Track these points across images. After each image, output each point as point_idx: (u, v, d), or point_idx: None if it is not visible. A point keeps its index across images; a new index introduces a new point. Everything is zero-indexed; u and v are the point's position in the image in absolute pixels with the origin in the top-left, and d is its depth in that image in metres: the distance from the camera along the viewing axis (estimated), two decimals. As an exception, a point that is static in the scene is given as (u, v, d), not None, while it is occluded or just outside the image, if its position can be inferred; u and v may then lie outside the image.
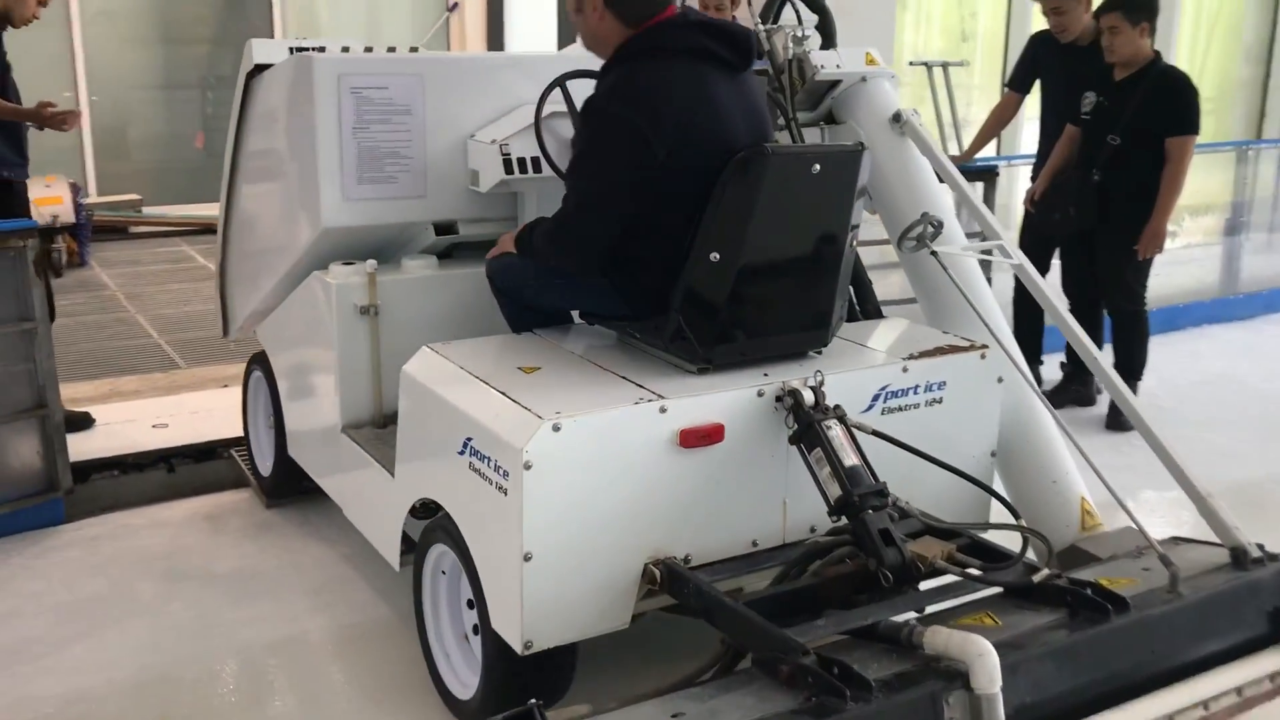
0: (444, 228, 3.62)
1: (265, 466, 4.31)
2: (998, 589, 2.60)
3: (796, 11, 3.69)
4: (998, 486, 3.20)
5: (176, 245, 9.32)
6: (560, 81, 3.34)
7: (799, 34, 3.50)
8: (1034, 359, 5.57)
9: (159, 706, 3.00)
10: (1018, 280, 5.25)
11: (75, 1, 9.92)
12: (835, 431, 2.61)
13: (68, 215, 8.16)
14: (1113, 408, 5.05)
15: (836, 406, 2.67)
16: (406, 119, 3.45)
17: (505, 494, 2.49)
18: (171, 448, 4.70)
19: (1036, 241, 5.39)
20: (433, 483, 2.87)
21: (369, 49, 3.65)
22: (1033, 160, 5.61)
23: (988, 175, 5.81)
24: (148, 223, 9.91)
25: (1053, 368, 5.65)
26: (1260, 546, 2.75)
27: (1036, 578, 2.50)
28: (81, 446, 4.55)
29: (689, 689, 2.24)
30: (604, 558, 2.57)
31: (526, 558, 2.46)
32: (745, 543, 2.77)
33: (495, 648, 2.65)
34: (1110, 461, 4.24)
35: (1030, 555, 2.63)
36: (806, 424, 2.63)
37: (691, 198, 2.62)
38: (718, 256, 2.64)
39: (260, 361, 4.25)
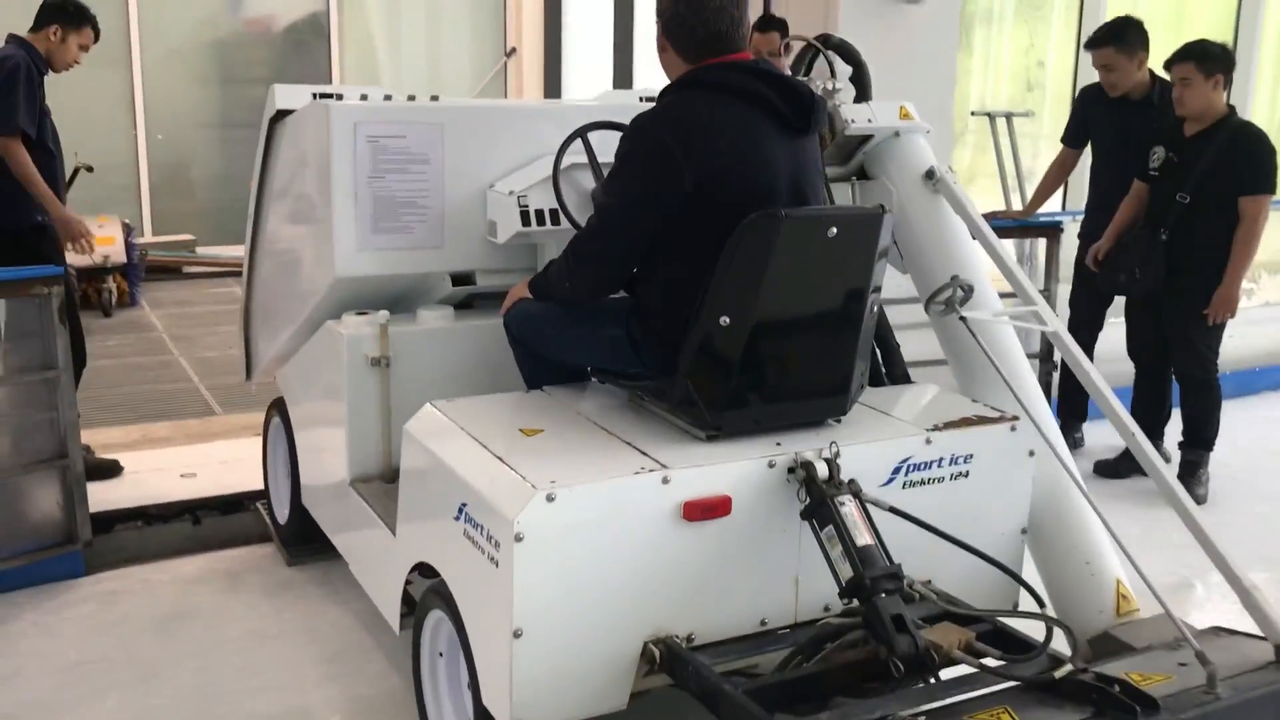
0: (461, 278, 3.55)
1: (282, 515, 4.24)
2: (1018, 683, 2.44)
3: (830, 64, 3.58)
4: (1028, 566, 3.03)
5: (229, 286, 9.34)
6: (581, 133, 3.26)
7: (830, 86, 3.39)
8: (1080, 418, 5.44)
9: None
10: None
11: (137, 41, 10.06)
12: (849, 508, 2.47)
13: (119, 255, 8.24)
14: (1179, 480, 4.77)
15: (852, 481, 2.53)
16: (424, 168, 3.39)
17: (496, 565, 2.37)
18: (197, 499, 4.62)
19: (1092, 299, 5.24)
20: (430, 546, 2.77)
21: (388, 97, 3.59)
22: (1081, 216, 5.46)
23: (1051, 230, 5.64)
24: (201, 263, 9.99)
25: (1106, 433, 5.42)
26: (1301, 640, 2.56)
27: (1059, 674, 2.32)
28: (107, 495, 4.50)
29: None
30: (600, 636, 2.44)
31: (517, 634, 2.34)
32: (754, 621, 2.63)
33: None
34: (1178, 539, 4.03)
35: (1057, 646, 2.47)
36: (819, 499, 2.49)
37: (713, 245, 2.51)
38: (728, 321, 2.52)
39: (279, 408, 4.19)
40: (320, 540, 3.88)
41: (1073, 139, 5.45)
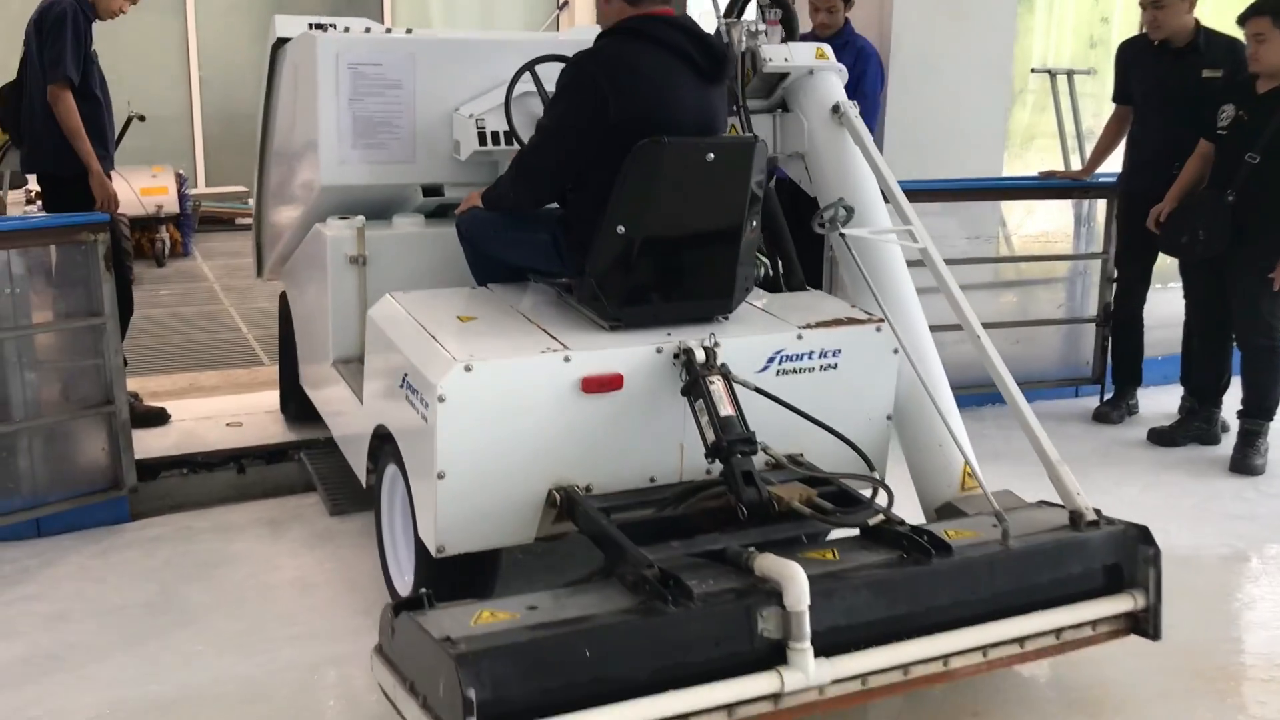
0: (431, 190, 4.09)
1: (289, 389, 4.87)
2: (853, 530, 3.01)
3: (761, 8, 4.03)
4: (894, 448, 3.56)
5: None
6: (529, 66, 3.76)
7: (754, 29, 3.85)
8: (1134, 382, 5.49)
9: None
10: (1119, 302, 5.41)
11: None
12: (717, 386, 3.01)
13: (172, 205, 8.32)
14: (1237, 449, 4.82)
15: (723, 365, 3.06)
16: (399, 93, 3.92)
17: (426, 422, 2.95)
18: (242, 448, 4.64)
19: (1138, 258, 5.25)
20: (386, 411, 3.35)
21: (368, 30, 4.10)
22: (1117, 175, 5.46)
23: (1111, 191, 5.53)
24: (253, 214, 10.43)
25: (1162, 400, 5.50)
26: (1097, 511, 3.09)
27: (871, 521, 2.88)
28: (154, 443, 4.57)
29: (553, 590, 2.69)
30: (510, 482, 3.01)
31: (440, 476, 2.93)
32: (644, 479, 3.19)
33: (421, 552, 3.13)
34: (1234, 510, 4.40)
35: (915, 509, 3.01)
36: (694, 379, 3.03)
37: (619, 166, 3.03)
38: (623, 230, 3.04)
39: (283, 301, 4.80)
40: (315, 419, 4.49)
41: (1122, 95, 5.29)
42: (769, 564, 2.63)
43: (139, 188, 7.88)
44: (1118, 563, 3.03)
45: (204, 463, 4.57)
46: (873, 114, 5.17)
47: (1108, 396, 5.61)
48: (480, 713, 2.26)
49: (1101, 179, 5.58)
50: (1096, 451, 5.07)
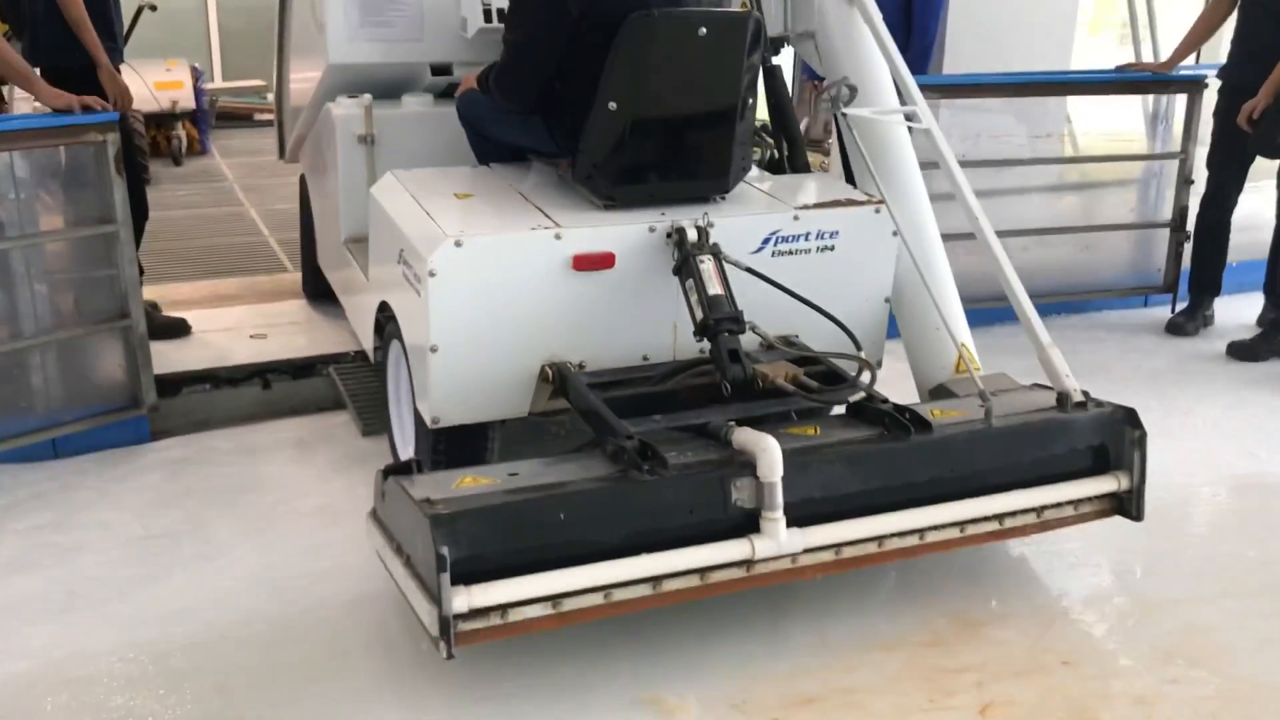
0: (440, 69, 4.09)
1: (309, 270, 4.98)
2: (840, 407, 3.05)
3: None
4: (892, 329, 3.58)
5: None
6: None
7: (763, -94, 3.76)
8: (1212, 292, 5.25)
9: (220, 670, 2.70)
10: (1206, 204, 5.12)
11: None
12: (707, 265, 3.03)
13: (187, 101, 7.99)
14: None
15: (714, 244, 3.08)
16: (406, -29, 3.90)
17: (419, 296, 3.01)
18: (267, 362, 4.40)
19: (1234, 160, 4.96)
20: (388, 286, 3.42)
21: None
22: (1217, 69, 5.14)
23: (1193, 85, 5.27)
24: (272, 110, 10.13)
25: (1241, 311, 5.28)
26: (1085, 393, 3.10)
27: (852, 398, 2.92)
28: (175, 356, 4.37)
29: (538, 459, 2.77)
30: (503, 356, 3.08)
31: (433, 349, 3.00)
32: (637, 357, 3.24)
33: (420, 425, 3.22)
34: None
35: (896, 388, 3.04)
36: (684, 258, 3.06)
37: (602, 50, 3.02)
38: (615, 106, 3.04)
39: (303, 183, 4.86)
40: (330, 297, 4.58)
41: None
42: (745, 437, 2.69)
43: (153, 82, 7.66)
44: (1104, 444, 3.05)
45: (228, 378, 4.33)
46: (940, 2, 5.09)
47: (1181, 306, 5.35)
48: (455, 570, 2.37)
49: (1183, 73, 5.27)
50: (1172, 367, 4.77)
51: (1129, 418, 3.03)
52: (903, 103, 3.59)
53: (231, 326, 4.82)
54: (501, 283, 3.01)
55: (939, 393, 3.41)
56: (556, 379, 3.10)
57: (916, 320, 3.54)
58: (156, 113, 7.78)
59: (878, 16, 3.65)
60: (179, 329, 4.66)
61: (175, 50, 8.39)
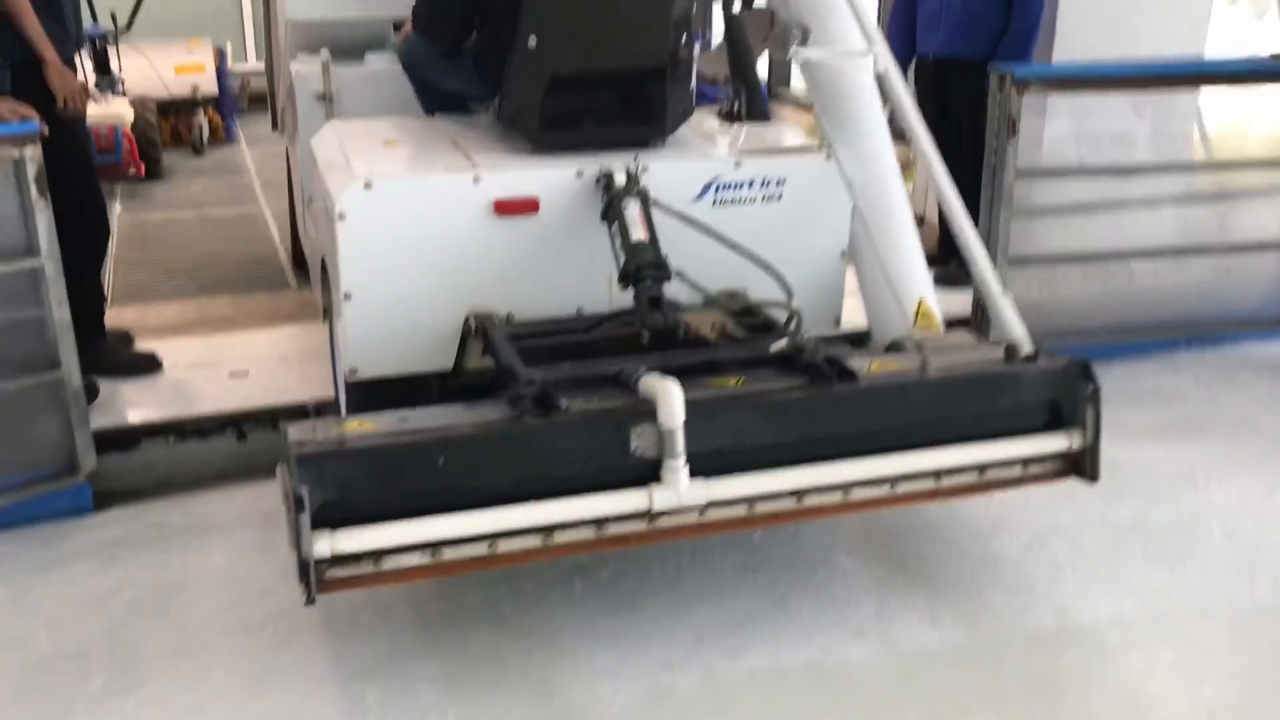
0: (402, 26, 4.00)
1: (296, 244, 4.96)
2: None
3: None
4: (850, 284, 3.39)
5: (340, 121, 8.60)
6: None
7: None
8: None
9: None
10: None
11: None
12: (632, 210, 2.89)
13: (210, 86, 7.37)
14: None
15: (642, 188, 2.93)
16: (364, -80, 3.83)
17: (334, 241, 2.92)
18: (243, 411, 3.72)
19: None
20: (322, 238, 3.34)
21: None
22: None
23: None
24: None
25: None
26: (1038, 345, 2.88)
27: (772, 349, 2.75)
28: (139, 400, 3.77)
29: (439, 405, 2.66)
30: (424, 306, 2.97)
31: (347, 296, 2.91)
32: (571, 310, 3.11)
33: (342, 375, 3.14)
34: None
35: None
36: (609, 202, 2.92)
37: None
38: (535, 40, 2.92)
39: (288, 152, 4.84)
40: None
41: None
42: (649, 382, 2.53)
43: (173, 65, 7.24)
44: (1056, 400, 2.83)
45: (195, 429, 3.66)
46: None
47: None
48: (320, 513, 2.27)
49: None
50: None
51: (1082, 371, 2.80)
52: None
53: (211, 361, 4.13)
54: (417, 227, 2.90)
55: (894, 347, 3.21)
56: (478, 329, 2.99)
57: (873, 273, 3.35)
58: (175, 99, 7.31)
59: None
60: (147, 366, 3.99)
61: (204, 26, 7.84)
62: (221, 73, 7.61)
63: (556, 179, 2.98)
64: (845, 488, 2.66)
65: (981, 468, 2.77)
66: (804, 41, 3.26)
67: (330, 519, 2.30)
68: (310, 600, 2.27)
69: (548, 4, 2.89)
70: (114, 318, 4.18)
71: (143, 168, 6.42)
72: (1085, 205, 4.16)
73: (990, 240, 3.79)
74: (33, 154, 3.03)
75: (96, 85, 6.18)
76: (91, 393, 3.57)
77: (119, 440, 3.54)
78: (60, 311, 3.17)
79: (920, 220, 4.69)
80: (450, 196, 2.91)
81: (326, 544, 2.27)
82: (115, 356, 3.85)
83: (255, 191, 6.67)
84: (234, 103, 7.92)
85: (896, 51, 4.66)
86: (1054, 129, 4.16)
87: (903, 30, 4.92)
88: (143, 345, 4.13)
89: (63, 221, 3.19)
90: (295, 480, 2.24)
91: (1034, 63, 4.63)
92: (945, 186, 3.14)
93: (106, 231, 3.98)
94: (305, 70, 3.91)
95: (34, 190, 3.05)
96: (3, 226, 3.07)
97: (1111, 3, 4.77)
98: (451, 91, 3.45)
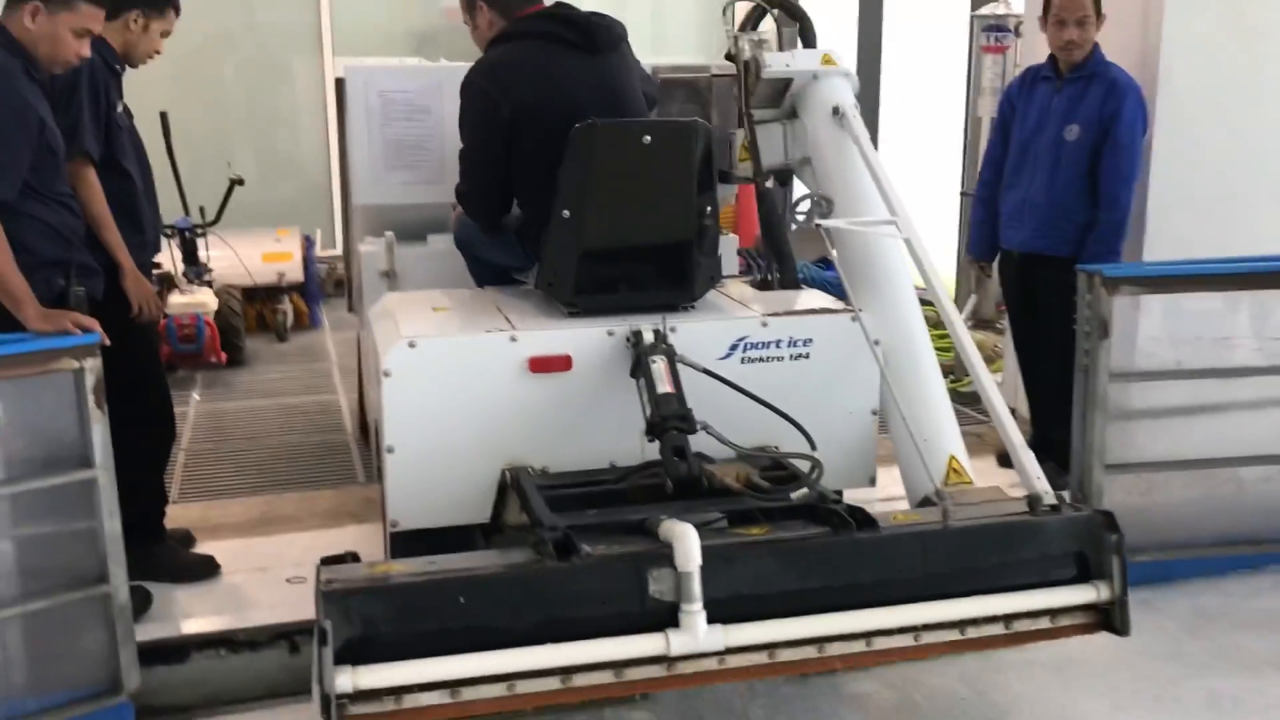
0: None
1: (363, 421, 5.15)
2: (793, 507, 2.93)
3: (776, 20, 4.08)
4: (880, 442, 3.45)
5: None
6: None
7: (758, 38, 3.90)
8: None
9: None
10: None
11: (329, 31, 8.57)
12: (659, 366, 3.03)
13: (295, 273, 7.46)
14: None
15: (668, 345, 3.08)
16: (426, 117, 4.18)
17: (380, 397, 3.10)
18: (295, 623, 3.50)
19: None
20: (375, 401, 3.52)
21: (404, 62, 4.41)
22: None
23: None
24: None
25: None
26: (1060, 497, 2.89)
27: (795, 496, 2.81)
28: (192, 608, 3.63)
29: (470, 553, 2.76)
30: (462, 459, 3.11)
31: (389, 450, 3.06)
32: (604, 462, 3.21)
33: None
34: None
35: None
36: (637, 358, 3.07)
37: (543, 158, 3.16)
38: (568, 214, 3.14)
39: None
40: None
41: None
42: (667, 527, 2.61)
43: (261, 253, 7.29)
44: (1082, 552, 2.82)
45: (247, 640, 3.52)
46: (1131, 166, 4.26)
47: None
48: (344, 649, 2.36)
49: None
50: None
51: (1107, 522, 2.81)
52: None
53: (270, 563, 3.98)
54: (456, 384, 3.07)
55: (926, 503, 3.24)
56: (512, 481, 3.10)
57: (902, 434, 3.40)
58: (261, 286, 7.38)
59: (865, 136, 3.68)
60: (204, 571, 3.86)
61: (294, 215, 7.96)
62: (308, 260, 7.66)
63: (588, 338, 3.15)
64: (868, 636, 2.67)
65: (1007, 618, 2.76)
66: (828, 212, 3.44)
67: (354, 655, 2.38)
68: (329, 734, 2.33)
69: (580, 182, 3.12)
70: (177, 515, 4.11)
71: (224, 356, 6.41)
72: (1185, 408, 3.96)
73: (1085, 446, 3.73)
74: (92, 365, 3.01)
75: (184, 274, 6.38)
76: (145, 601, 3.53)
77: (167, 653, 3.42)
78: (111, 524, 3.09)
79: (1012, 412, 4.69)
80: (488, 355, 3.09)
81: (348, 679, 2.35)
82: (172, 561, 3.79)
83: (334, 379, 6.58)
84: (320, 289, 8.07)
85: (978, 247, 4.77)
86: (1147, 328, 3.90)
87: (984, 224, 4.71)
88: (204, 545, 4.04)
89: (129, 424, 3.29)
90: (319, 615, 2.33)
91: (1123, 260, 4.32)
92: (972, 356, 3.22)
93: (172, 434, 4.00)
94: (371, 250, 4.20)
95: (92, 401, 3.03)
96: (60, 436, 3.04)
97: (1204, 194, 4.51)
98: (498, 264, 3.69)
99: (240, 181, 6.53)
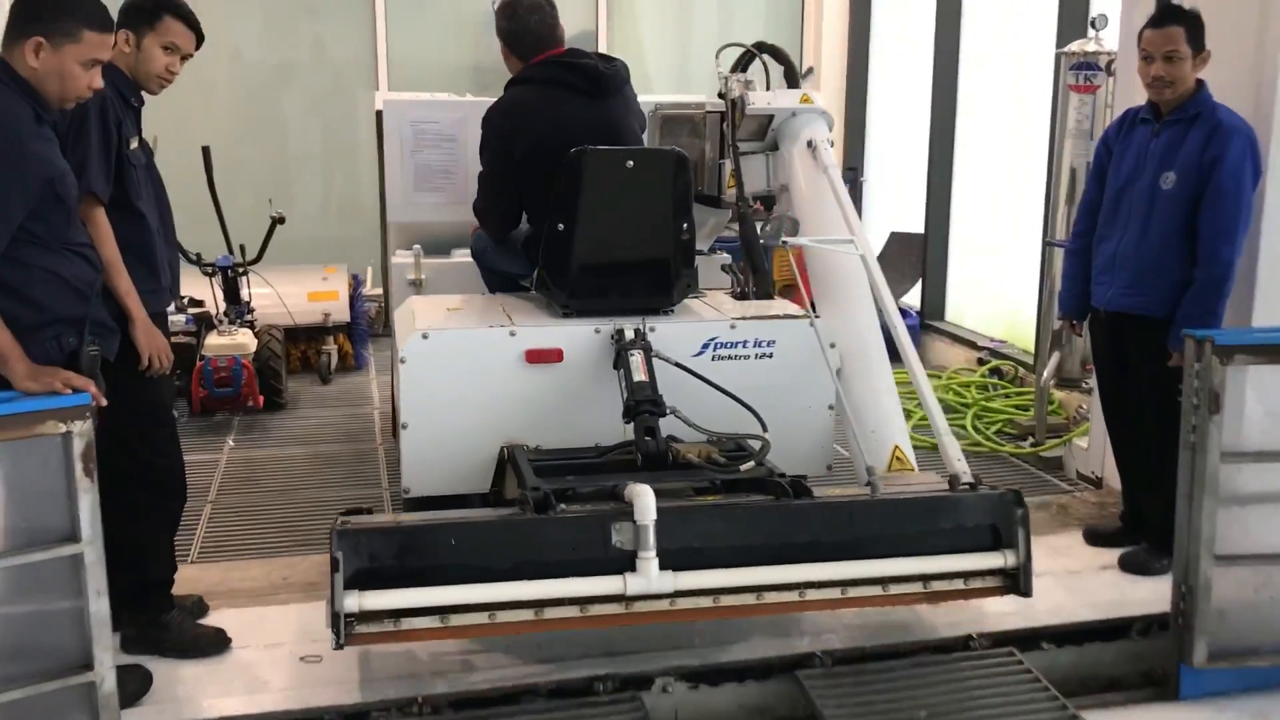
0: (477, 225, 4.83)
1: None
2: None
3: (764, 64, 4.59)
4: (836, 435, 3.91)
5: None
6: None
7: (745, 79, 4.40)
8: None
9: None
10: None
11: (384, 66, 8.51)
12: (636, 358, 3.51)
13: (341, 313, 7.08)
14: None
15: (645, 341, 3.56)
16: (452, 145, 4.73)
17: (397, 381, 3.61)
18: (307, 710, 3.18)
19: None
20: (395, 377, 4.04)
21: (438, 96, 4.96)
22: None
23: None
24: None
25: None
26: (977, 477, 3.33)
27: (743, 468, 3.26)
28: (198, 687, 3.29)
29: (460, 508, 3.25)
30: (466, 437, 3.60)
31: (404, 426, 3.57)
32: (589, 442, 3.67)
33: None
34: None
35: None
36: (618, 352, 3.55)
37: (548, 184, 3.66)
38: (562, 226, 3.64)
39: None
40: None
41: None
42: (630, 488, 3.08)
43: (306, 292, 7.00)
44: (994, 525, 3.25)
45: None
46: (1235, 217, 3.79)
47: None
48: (351, 576, 2.85)
49: None
50: None
51: (1016, 498, 3.23)
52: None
53: (284, 639, 3.55)
54: (462, 371, 3.57)
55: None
56: (509, 457, 3.59)
57: (855, 423, 3.85)
58: (305, 326, 7.01)
59: (834, 166, 4.17)
60: (212, 646, 3.48)
61: (347, 255, 7.73)
62: (355, 299, 7.26)
63: (578, 334, 3.64)
64: (800, 587, 3.11)
65: (925, 578, 3.19)
66: (794, 231, 3.92)
67: (361, 583, 2.87)
68: (339, 645, 2.82)
69: (571, 199, 3.62)
70: (194, 578, 3.89)
71: (261, 399, 6.05)
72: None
73: (1190, 534, 3.31)
74: (81, 430, 2.72)
75: (224, 314, 6.16)
76: (144, 683, 3.22)
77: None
78: (98, 604, 2.79)
79: (1098, 482, 4.84)
80: (490, 346, 3.59)
81: (355, 600, 2.84)
82: (179, 636, 3.43)
83: (373, 425, 6.15)
84: (366, 329, 7.50)
85: (1069, 303, 4.28)
86: (1263, 401, 3.41)
87: (1077, 278, 4.25)
88: (217, 614, 3.68)
89: (137, 485, 3.27)
90: (332, 548, 2.83)
91: (1223, 323, 3.85)
92: (930, 401, 3.65)
93: (183, 497, 3.59)
94: (402, 261, 4.74)
95: (79, 468, 2.73)
96: (44, 505, 2.76)
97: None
98: (507, 273, 4.20)
99: (281, 219, 6.29)
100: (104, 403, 2.87)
